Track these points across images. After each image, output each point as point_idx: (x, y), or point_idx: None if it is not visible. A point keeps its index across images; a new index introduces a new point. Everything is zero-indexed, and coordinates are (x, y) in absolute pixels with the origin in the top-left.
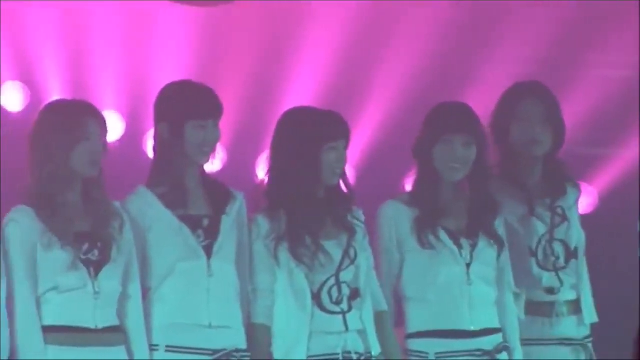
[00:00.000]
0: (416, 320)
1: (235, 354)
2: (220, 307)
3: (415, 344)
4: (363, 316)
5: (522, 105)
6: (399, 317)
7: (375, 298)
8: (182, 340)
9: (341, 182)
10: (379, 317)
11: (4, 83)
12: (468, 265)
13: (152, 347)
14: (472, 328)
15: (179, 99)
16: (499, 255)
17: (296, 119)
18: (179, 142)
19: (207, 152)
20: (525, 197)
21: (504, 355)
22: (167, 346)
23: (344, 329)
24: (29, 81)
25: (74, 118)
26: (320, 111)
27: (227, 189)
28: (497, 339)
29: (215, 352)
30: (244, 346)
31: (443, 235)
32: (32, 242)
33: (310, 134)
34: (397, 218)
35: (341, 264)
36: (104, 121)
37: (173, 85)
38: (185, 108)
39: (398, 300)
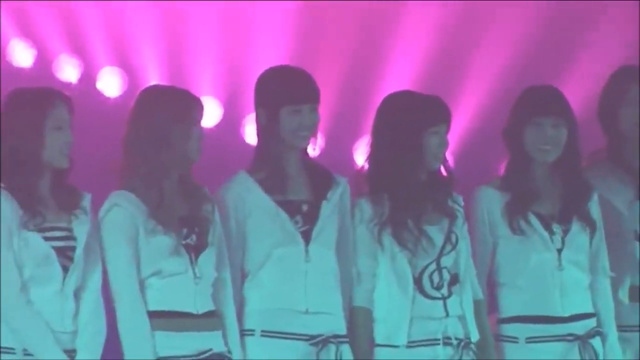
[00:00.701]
0: (508, 306)
1: (332, 339)
2: (317, 292)
3: (506, 329)
4: (463, 302)
5: (631, 90)
6: (490, 304)
7: (472, 286)
8: (277, 325)
9: (442, 167)
10: (475, 305)
11: (102, 68)
12: (559, 251)
13: (247, 332)
14: (564, 314)
15: (275, 84)
16: (591, 240)
17: (397, 103)
18: (276, 127)
19: (305, 136)
20: (632, 180)
21: (597, 340)
22: (262, 331)
23: (444, 314)
24: (127, 67)
25: (186, 105)
26: (422, 95)
27: (330, 174)
28: (589, 324)
29: (311, 337)
30: (342, 332)
31: (534, 220)
32: (135, 227)
33: (412, 118)
34: (489, 204)
35: (442, 249)
36: (203, 107)
37: (270, 71)
38: (280, 93)
39: (489, 286)
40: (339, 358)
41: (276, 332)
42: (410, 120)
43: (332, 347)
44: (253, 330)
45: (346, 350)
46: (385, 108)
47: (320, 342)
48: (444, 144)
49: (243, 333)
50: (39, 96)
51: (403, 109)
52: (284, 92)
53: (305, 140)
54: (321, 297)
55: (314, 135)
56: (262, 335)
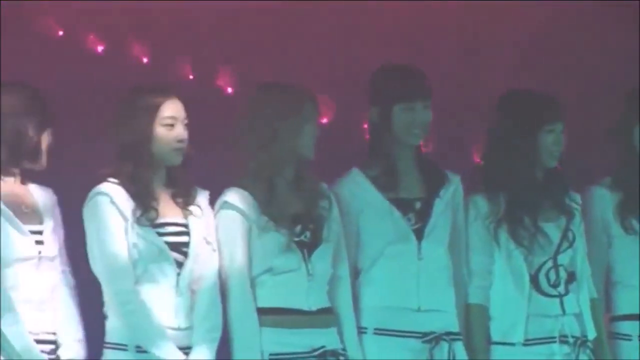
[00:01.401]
0: (622, 304)
1: (445, 337)
2: (430, 290)
3: (620, 327)
4: (580, 300)
5: None
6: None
7: (588, 284)
8: (391, 323)
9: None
10: (591, 303)
11: (218, 66)
12: None
13: (361, 330)
14: None
15: (387, 82)
16: None
17: (513, 102)
18: (388, 124)
19: (417, 133)
20: None
21: None
22: (375, 329)
23: (561, 312)
24: (242, 64)
25: (297, 101)
26: (537, 94)
27: (443, 172)
28: None
29: (424, 335)
30: (455, 329)
31: None
32: (248, 225)
33: (528, 116)
34: (601, 203)
35: (559, 246)
36: (318, 104)
37: (382, 69)
38: (392, 91)
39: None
40: (452, 356)
41: (389, 330)
42: (525, 118)
43: (445, 345)
44: (366, 328)
45: (459, 347)
46: (501, 106)
47: (432, 339)
48: (560, 142)
49: (358, 330)
50: (151, 93)
51: (518, 107)
52: (396, 90)
53: (418, 138)
54: (434, 294)
55: (426, 132)
56: (375, 333)
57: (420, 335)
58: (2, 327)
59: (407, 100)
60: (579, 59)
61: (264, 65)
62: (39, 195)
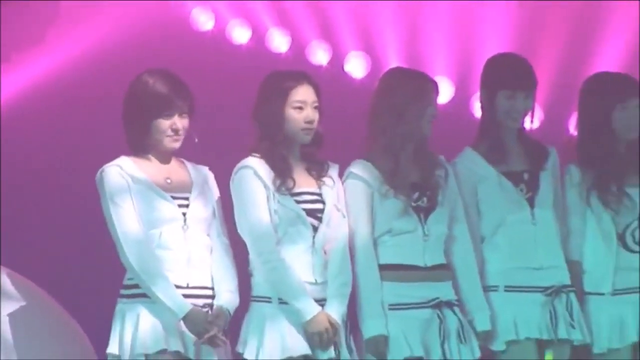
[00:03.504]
0: None
1: (563, 289)
2: (546, 250)
3: None
4: None
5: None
6: None
7: None
8: (518, 280)
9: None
10: None
11: (349, 53)
12: None
13: (491, 288)
14: None
15: (495, 70)
16: None
17: (590, 84)
18: (493, 108)
19: (516, 118)
20: None
21: None
22: (505, 286)
23: None
24: (370, 51)
25: (423, 87)
26: (613, 74)
27: (543, 146)
28: None
29: (546, 288)
30: (568, 282)
31: None
32: (371, 192)
33: (603, 96)
34: None
35: None
36: (438, 89)
37: (496, 56)
38: (499, 78)
39: None
40: (569, 306)
41: (517, 286)
42: (600, 98)
43: (564, 296)
44: (497, 286)
45: (573, 297)
46: (584, 87)
47: (553, 292)
48: (635, 117)
49: (487, 289)
50: (284, 79)
51: (594, 88)
52: (502, 78)
53: (517, 122)
54: (549, 253)
55: (525, 117)
56: (505, 290)
57: (543, 289)
58: (155, 290)
59: (509, 87)
60: None
61: (392, 52)
62: (190, 170)
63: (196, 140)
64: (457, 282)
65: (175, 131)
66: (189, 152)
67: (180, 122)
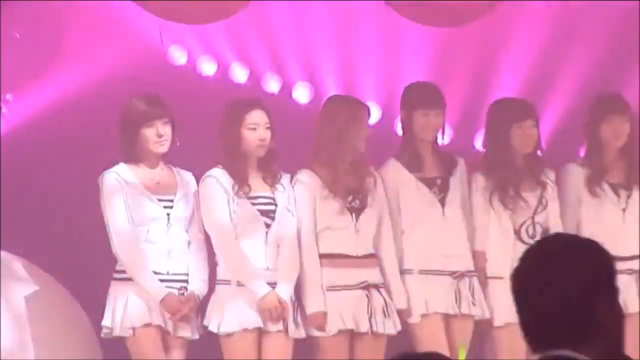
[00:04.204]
0: None
1: (467, 274)
2: (454, 241)
3: None
4: None
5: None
6: None
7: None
8: (430, 265)
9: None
10: None
11: (296, 82)
12: None
13: (408, 271)
14: None
15: (411, 94)
16: None
17: (494, 107)
18: (410, 125)
19: (430, 132)
20: None
21: None
22: (419, 270)
23: None
24: (313, 81)
25: (358, 111)
26: (511, 99)
27: (452, 157)
28: None
29: (453, 273)
30: (472, 268)
31: None
32: (314, 195)
33: (501, 117)
34: (575, 176)
35: (536, 209)
36: (370, 111)
37: (411, 84)
38: (414, 101)
39: None
40: (471, 287)
41: (429, 270)
42: (500, 119)
43: (467, 279)
44: (412, 270)
45: (475, 281)
46: (489, 110)
47: (459, 276)
48: (531, 134)
49: (405, 272)
50: (240, 104)
51: (497, 111)
52: (418, 100)
53: (431, 135)
54: (456, 243)
55: (437, 132)
56: (419, 273)
57: (449, 273)
58: (138, 278)
59: (424, 108)
60: None
61: (331, 81)
62: (176, 175)
63: (178, 143)
64: (382, 269)
65: (160, 136)
66: (175, 159)
67: (163, 128)
